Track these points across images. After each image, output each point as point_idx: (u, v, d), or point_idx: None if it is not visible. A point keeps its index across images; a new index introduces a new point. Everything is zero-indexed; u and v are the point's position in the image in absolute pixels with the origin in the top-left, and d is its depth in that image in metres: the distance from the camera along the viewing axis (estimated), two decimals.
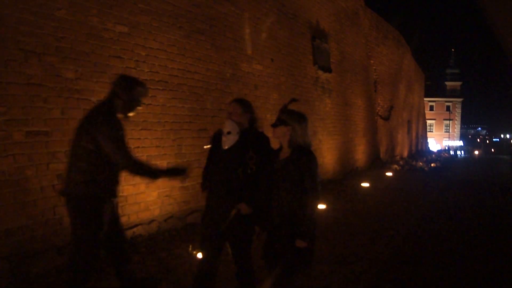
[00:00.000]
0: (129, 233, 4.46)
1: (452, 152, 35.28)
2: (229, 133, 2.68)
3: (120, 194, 4.38)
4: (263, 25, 7.23)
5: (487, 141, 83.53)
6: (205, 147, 2.84)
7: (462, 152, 41.01)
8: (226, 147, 2.69)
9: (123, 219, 4.41)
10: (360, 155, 12.55)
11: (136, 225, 4.58)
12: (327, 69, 9.90)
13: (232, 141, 2.68)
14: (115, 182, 2.80)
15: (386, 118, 15.90)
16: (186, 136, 5.35)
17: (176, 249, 4.38)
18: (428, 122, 47.85)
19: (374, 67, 14.39)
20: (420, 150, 25.16)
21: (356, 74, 12.23)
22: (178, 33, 5.25)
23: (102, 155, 2.64)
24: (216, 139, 2.81)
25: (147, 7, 4.78)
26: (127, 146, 2.72)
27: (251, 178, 2.64)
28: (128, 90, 2.76)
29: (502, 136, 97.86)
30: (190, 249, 4.15)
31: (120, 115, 2.78)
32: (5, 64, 3.39)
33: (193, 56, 5.51)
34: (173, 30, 5.17)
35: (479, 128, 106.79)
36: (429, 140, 36.04)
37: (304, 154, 2.54)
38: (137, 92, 2.82)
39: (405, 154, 19.91)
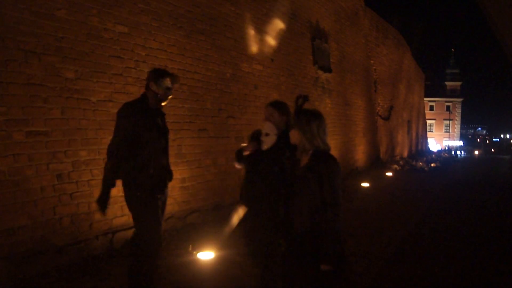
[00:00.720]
0: (129, 233, 4.45)
1: (452, 152, 35.26)
2: (267, 134, 2.78)
3: (120, 194, 4.38)
4: (263, 25, 7.23)
5: (487, 141, 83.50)
6: (242, 144, 2.92)
7: (463, 152, 40.97)
8: (265, 148, 2.78)
9: (123, 219, 4.42)
10: (360, 155, 12.54)
11: None
12: (327, 69, 9.89)
13: (270, 142, 2.77)
14: (157, 167, 2.93)
15: (386, 118, 15.90)
16: (186, 136, 5.35)
17: (176, 249, 4.38)
18: (428, 122, 47.85)
19: (374, 67, 14.39)
20: (420, 150, 25.16)
21: (356, 74, 12.23)
22: (178, 33, 5.25)
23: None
24: (254, 138, 2.85)
25: (147, 7, 4.78)
26: (123, 137, 2.84)
27: (287, 176, 2.71)
28: (156, 81, 2.95)
29: (502, 136, 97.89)
30: (190, 249, 4.15)
31: (154, 105, 2.99)
32: (5, 64, 3.39)
33: (193, 56, 5.51)
34: (173, 30, 5.17)
35: (479, 128, 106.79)
36: (429, 140, 36.02)
37: (322, 160, 2.23)
38: (165, 82, 2.98)
39: (405, 154, 19.91)
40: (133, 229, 4.48)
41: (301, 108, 2.48)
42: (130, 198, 2.94)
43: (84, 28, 4.04)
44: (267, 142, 2.77)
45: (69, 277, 3.54)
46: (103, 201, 2.87)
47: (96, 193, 4.10)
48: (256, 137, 2.83)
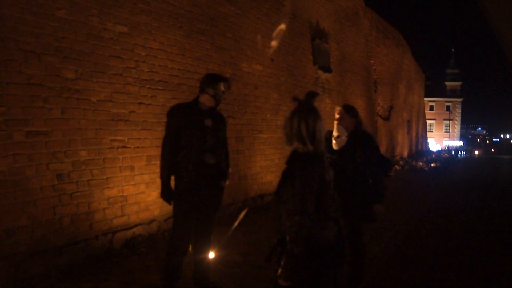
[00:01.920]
0: (129, 233, 4.46)
1: (452, 152, 35.21)
2: (338, 136, 3.15)
3: (120, 194, 4.40)
4: (263, 25, 7.23)
5: (487, 141, 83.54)
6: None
7: (463, 152, 40.90)
8: (337, 148, 3.15)
9: (123, 219, 4.43)
10: None
11: (136, 225, 4.58)
12: (327, 69, 9.89)
13: (342, 143, 3.14)
14: (198, 164, 3.05)
15: (386, 118, 15.90)
16: None
17: None
18: (428, 122, 47.82)
19: (374, 67, 14.39)
20: (420, 150, 25.15)
21: (356, 74, 12.23)
22: (178, 33, 5.25)
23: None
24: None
25: (147, 7, 4.78)
26: (171, 135, 3.09)
27: (361, 171, 3.13)
28: (212, 86, 3.09)
29: (502, 136, 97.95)
30: (190, 248, 4.14)
31: (206, 107, 3.12)
32: (5, 64, 3.38)
33: (193, 56, 5.51)
34: (173, 30, 5.17)
35: (479, 128, 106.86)
36: (429, 140, 36.00)
37: (296, 162, 1.87)
38: (220, 86, 3.13)
39: (405, 154, 19.90)
40: (132, 229, 4.52)
41: (310, 104, 1.97)
42: (174, 192, 3.11)
43: (84, 28, 4.04)
44: (339, 143, 3.13)
45: (69, 277, 3.54)
46: (164, 194, 3.10)
47: (96, 193, 4.12)
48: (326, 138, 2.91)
